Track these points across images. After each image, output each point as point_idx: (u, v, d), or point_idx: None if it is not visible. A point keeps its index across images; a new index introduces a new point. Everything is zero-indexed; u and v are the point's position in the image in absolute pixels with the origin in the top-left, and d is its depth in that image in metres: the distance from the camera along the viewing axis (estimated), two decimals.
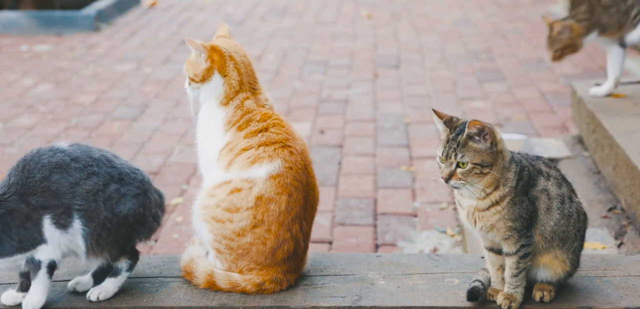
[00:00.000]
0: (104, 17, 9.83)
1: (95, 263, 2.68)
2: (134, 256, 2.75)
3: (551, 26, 4.67)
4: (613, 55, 4.75)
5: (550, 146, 4.95)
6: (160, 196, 2.78)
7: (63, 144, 2.66)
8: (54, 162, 2.58)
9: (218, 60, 2.78)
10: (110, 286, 2.71)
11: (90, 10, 9.78)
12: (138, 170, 2.72)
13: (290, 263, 2.73)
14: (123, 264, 2.71)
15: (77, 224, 2.58)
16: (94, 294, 2.69)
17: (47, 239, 2.56)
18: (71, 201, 2.56)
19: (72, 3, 10.09)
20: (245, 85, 2.79)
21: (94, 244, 2.61)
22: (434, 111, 2.54)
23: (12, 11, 9.76)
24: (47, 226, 2.56)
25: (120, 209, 2.62)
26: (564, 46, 4.64)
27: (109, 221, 2.60)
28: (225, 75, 2.77)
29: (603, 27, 4.67)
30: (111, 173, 2.63)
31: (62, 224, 2.57)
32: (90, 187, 2.58)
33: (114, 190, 2.61)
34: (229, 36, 2.91)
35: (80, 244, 2.60)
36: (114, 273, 2.71)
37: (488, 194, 2.48)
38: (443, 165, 2.47)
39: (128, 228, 2.65)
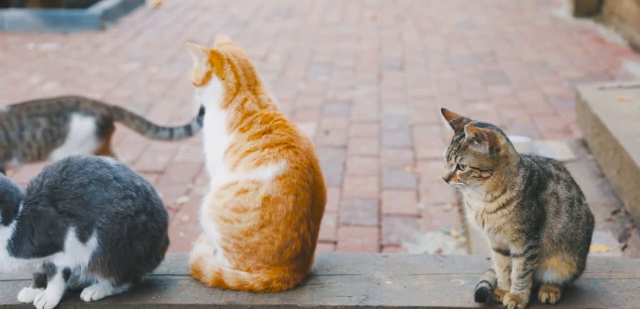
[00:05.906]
0: (110, 17, 9.86)
1: (95, 279, 2.67)
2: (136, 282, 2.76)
3: None
4: None
5: (554, 149, 4.96)
6: (167, 242, 2.81)
7: (111, 161, 2.66)
8: (97, 174, 2.58)
9: (217, 64, 2.82)
10: (105, 289, 2.70)
11: (96, 9, 9.81)
12: (166, 211, 2.75)
13: (297, 262, 2.75)
14: (125, 286, 2.73)
15: (92, 241, 2.58)
16: (87, 294, 2.69)
17: (66, 249, 2.56)
18: (97, 216, 2.56)
19: (78, 2, 10.13)
20: (243, 86, 2.82)
21: (105, 266, 2.60)
22: (442, 110, 2.56)
23: (18, 10, 9.79)
24: (71, 237, 2.55)
25: (138, 242, 2.62)
26: None
27: (124, 250, 2.60)
28: (223, 79, 2.81)
29: None
30: (145, 205, 2.64)
31: (82, 237, 2.57)
32: (123, 209, 2.58)
33: (141, 221, 2.62)
34: (230, 43, 2.93)
35: (85, 260, 2.60)
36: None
37: (495, 198, 2.50)
38: (446, 165, 2.50)
39: (136, 261, 2.65)
